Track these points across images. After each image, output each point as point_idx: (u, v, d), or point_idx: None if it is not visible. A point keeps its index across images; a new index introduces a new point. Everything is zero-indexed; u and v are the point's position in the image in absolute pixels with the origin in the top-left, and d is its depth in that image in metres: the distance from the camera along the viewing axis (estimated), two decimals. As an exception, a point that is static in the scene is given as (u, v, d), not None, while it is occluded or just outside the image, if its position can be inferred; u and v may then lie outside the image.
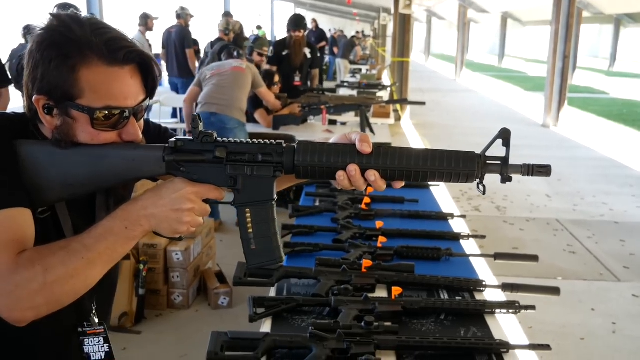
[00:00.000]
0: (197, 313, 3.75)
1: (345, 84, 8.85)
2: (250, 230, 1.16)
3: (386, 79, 12.20)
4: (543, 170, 1.09)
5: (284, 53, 6.25)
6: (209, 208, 1.14)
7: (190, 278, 3.77)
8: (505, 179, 1.11)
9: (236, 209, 1.16)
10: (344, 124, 5.80)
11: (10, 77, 4.69)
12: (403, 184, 1.14)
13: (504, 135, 1.08)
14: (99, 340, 1.31)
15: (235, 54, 5.21)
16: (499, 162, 1.11)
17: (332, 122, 5.68)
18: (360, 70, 12.05)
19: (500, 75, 24.43)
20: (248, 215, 1.16)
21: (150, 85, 1.17)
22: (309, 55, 6.59)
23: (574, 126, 11.31)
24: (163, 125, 1.46)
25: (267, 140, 1.16)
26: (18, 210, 1.07)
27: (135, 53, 1.11)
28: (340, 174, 1.11)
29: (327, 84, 12.11)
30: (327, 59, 16.45)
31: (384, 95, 8.43)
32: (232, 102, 4.82)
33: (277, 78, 5.47)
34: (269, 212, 1.16)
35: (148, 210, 1.09)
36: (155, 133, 1.38)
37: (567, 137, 10.44)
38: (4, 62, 4.61)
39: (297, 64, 6.34)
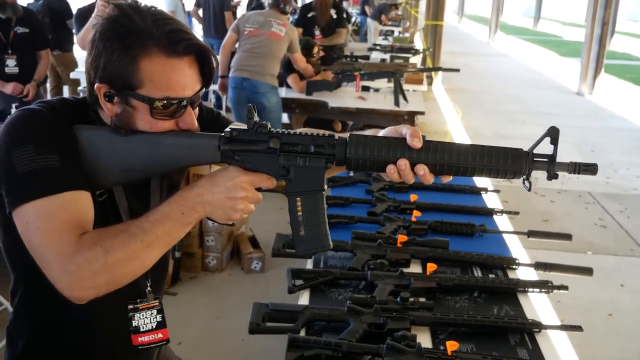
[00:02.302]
0: (231, 277, 3.85)
1: (378, 47, 8.75)
2: (300, 218, 1.20)
3: (418, 41, 12.02)
4: (589, 169, 1.11)
5: (309, 15, 6.28)
6: (261, 196, 1.18)
7: (224, 242, 3.87)
8: (552, 176, 1.13)
9: (287, 198, 1.20)
10: (376, 90, 5.78)
11: (50, 40, 4.79)
12: (451, 178, 1.17)
13: (552, 134, 1.10)
14: (152, 313, 1.38)
15: (282, 6, 4.97)
16: (547, 160, 1.13)
17: (365, 89, 5.66)
18: (393, 32, 11.84)
19: (535, 39, 23.82)
20: (299, 203, 1.19)
21: (206, 75, 1.20)
22: (334, 16, 6.57)
23: (609, 95, 11.06)
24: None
25: (319, 132, 1.19)
26: (80, 193, 1.12)
27: (194, 45, 1.15)
28: (390, 168, 1.14)
29: (358, 45, 11.95)
30: (358, 18, 16.18)
31: (417, 60, 8.33)
32: (264, 69, 4.86)
33: (316, 49, 5.46)
34: (319, 201, 1.20)
35: (204, 197, 1.14)
36: (208, 117, 1.41)
37: (602, 106, 10.23)
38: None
39: (322, 25, 6.39)
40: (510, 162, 1.13)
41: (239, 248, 4.00)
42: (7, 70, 4.43)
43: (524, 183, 1.15)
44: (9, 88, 4.40)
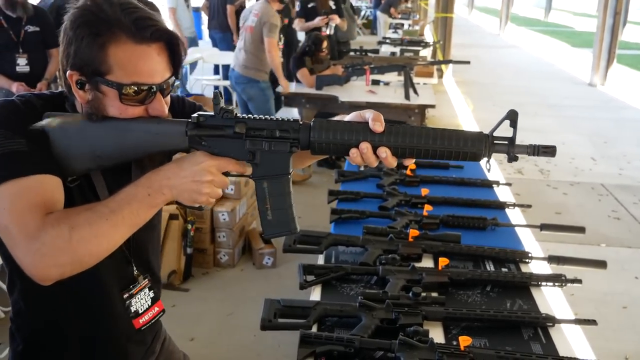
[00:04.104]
0: (242, 272, 3.86)
1: (387, 41, 8.72)
2: (268, 202, 1.22)
3: (428, 34, 11.96)
4: (548, 151, 1.14)
5: (309, 5, 6.44)
6: (227, 181, 1.21)
7: (236, 238, 3.88)
8: (512, 158, 1.16)
9: (255, 182, 1.22)
10: (387, 83, 5.74)
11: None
12: (413, 161, 1.20)
13: (511, 117, 1.14)
14: (145, 292, 1.42)
15: None
16: (506, 142, 1.17)
17: (375, 82, 5.63)
18: (402, 25, 11.78)
19: (546, 30, 23.62)
20: (265, 187, 1.22)
21: (176, 63, 1.22)
22: (333, 7, 6.63)
23: (622, 85, 10.93)
24: (204, 82, 1.49)
25: (284, 117, 1.21)
26: (47, 176, 1.14)
27: (162, 31, 1.16)
28: (353, 151, 1.17)
29: (368, 39, 11.90)
30: (368, 11, 16.12)
31: (427, 53, 8.29)
32: (245, 62, 5.14)
33: (325, 44, 5.46)
34: (285, 185, 1.22)
35: (170, 180, 1.15)
36: (189, 110, 1.43)
37: (615, 97, 10.12)
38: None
39: (322, 15, 6.51)
40: (470, 145, 1.17)
41: (251, 244, 4.00)
42: (18, 69, 4.44)
43: (486, 164, 1.20)
44: (14, 88, 4.40)
